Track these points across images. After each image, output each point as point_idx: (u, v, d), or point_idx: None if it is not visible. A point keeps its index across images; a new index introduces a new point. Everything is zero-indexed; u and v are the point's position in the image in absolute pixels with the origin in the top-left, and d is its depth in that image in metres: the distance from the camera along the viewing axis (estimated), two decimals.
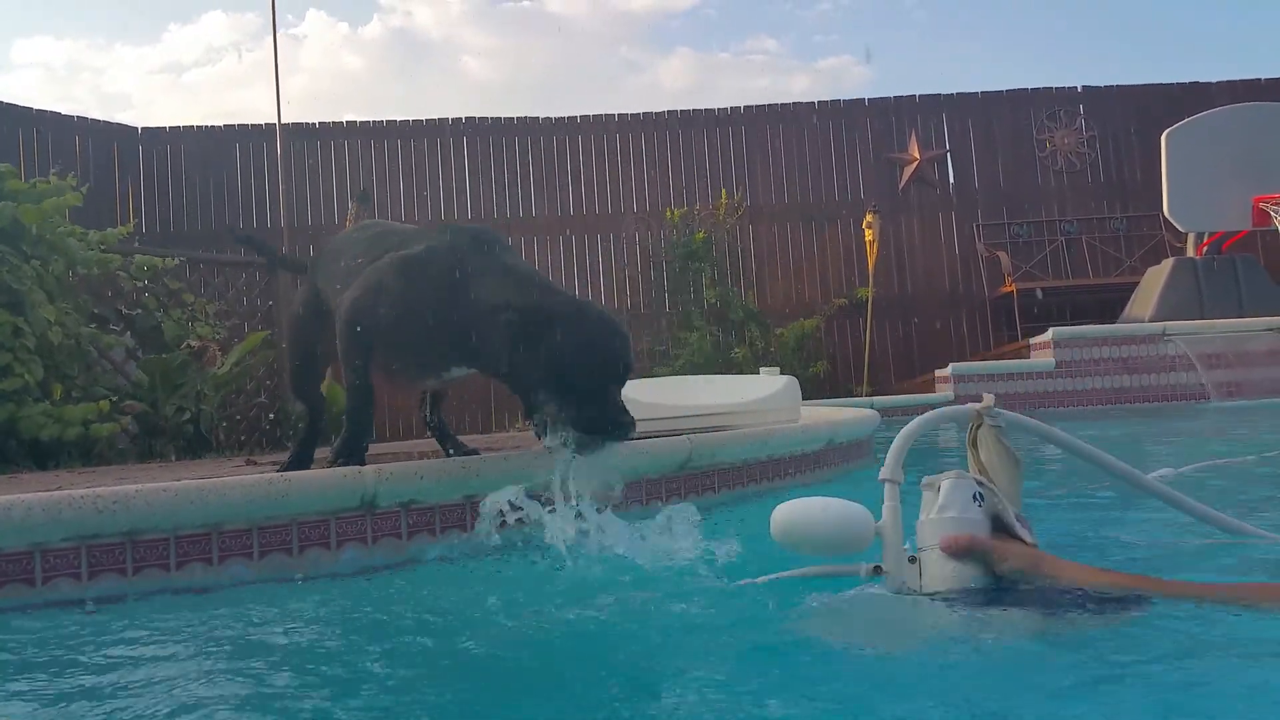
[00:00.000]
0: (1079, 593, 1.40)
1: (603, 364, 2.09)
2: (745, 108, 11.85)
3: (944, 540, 1.47)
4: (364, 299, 2.38)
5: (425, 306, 2.29)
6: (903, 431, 1.62)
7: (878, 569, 1.55)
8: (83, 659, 1.59)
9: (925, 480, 1.56)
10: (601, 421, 2.06)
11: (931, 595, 1.49)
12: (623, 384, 2.16)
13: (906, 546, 1.54)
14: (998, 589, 1.46)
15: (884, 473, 1.58)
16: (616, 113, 11.71)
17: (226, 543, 2.06)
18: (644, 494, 2.77)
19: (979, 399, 1.68)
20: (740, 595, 1.69)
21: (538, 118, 11.58)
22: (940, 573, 1.48)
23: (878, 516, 1.55)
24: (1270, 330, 8.37)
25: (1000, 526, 1.53)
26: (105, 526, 1.94)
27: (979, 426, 1.67)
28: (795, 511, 1.56)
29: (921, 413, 1.70)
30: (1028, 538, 1.52)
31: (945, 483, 1.52)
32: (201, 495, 2.02)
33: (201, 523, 2.03)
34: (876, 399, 8.46)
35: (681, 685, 1.29)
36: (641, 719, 1.27)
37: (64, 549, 1.92)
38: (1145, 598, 1.38)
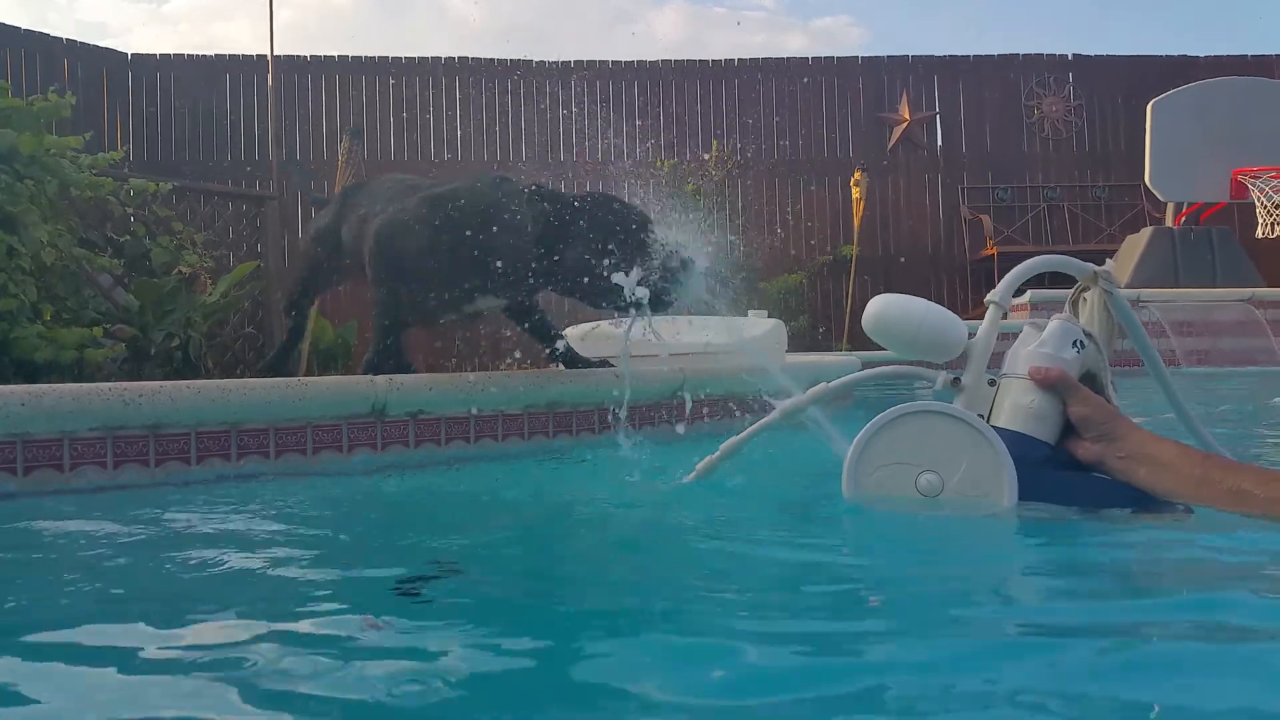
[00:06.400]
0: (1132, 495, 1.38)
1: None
2: (739, 60, 11.83)
3: (1033, 369, 1.46)
4: (393, 226, 2.58)
5: (451, 235, 2.49)
6: (1021, 265, 1.61)
7: (956, 381, 1.53)
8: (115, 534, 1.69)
9: (1031, 318, 1.55)
10: None
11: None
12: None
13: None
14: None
15: (993, 294, 1.58)
16: (610, 60, 11.67)
17: (245, 441, 2.16)
18: (637, 420, 2.88)
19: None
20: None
21: (530, 61, 11.51)
22: (1015, 402, 1.47)
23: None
24: (1242, 301, 8.57)
25: (1090, 383, 1.50)
26: (131, 418, 2.03)
27: (1086, 289, 1.64)
28: (894, 305, 1.54)
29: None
30: (1114, 399, 1.50)
31: (1053, 322, 1.51)
32: (223, 394, 2.11)
33: (222, 420, 2.13)
34: (859, 354, 8.58)
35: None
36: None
37: (91, 438, 2.01)
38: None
